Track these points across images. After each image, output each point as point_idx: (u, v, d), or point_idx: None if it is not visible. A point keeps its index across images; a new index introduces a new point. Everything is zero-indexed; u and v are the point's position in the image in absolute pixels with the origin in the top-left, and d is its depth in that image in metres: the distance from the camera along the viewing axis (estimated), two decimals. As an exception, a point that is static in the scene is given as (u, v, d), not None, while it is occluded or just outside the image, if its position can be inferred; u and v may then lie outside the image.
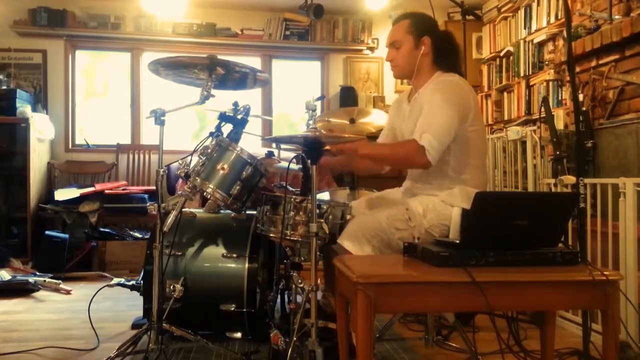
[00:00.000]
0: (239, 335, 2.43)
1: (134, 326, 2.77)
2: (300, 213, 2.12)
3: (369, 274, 1.44)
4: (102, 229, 4.55)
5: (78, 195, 4.48)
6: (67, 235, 4.32)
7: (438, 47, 2.18)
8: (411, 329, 2.74)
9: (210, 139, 2.39)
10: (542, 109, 2.98)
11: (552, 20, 4.18)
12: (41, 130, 4.68)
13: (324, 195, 2.89)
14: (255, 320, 2.40)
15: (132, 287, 2.88)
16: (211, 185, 2.30)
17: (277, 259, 2.77)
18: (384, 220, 1.99)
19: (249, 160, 2.35)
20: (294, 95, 5.76)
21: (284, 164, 2.46)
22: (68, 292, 3.60)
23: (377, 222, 1.99)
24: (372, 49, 5.66)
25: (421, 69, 2.19)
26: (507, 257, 1.51)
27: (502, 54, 4.93)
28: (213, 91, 2.35)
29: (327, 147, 2.09)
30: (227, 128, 2.46)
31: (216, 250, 2.45)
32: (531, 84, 4.46)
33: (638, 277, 2.32)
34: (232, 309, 2.36)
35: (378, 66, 5.69)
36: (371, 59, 5.67)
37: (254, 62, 5.55)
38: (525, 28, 4.58)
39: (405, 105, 2.26)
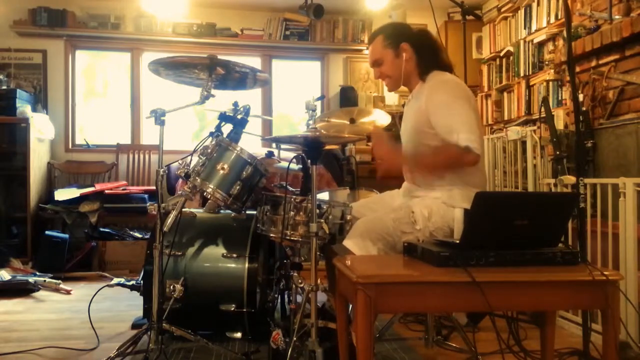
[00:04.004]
0: (239, 335, 2.44)
1: (134, 326, 2.77)
2: (301, 213, 2.12)
3: (369, 274, 1.44)
4: (102, 229, 4.55)
5: (78, 195, 4.49)
6: (67, 235, 4.32)
7: (419, 48, 2.20)
8: (411, 329, 2.74)
9: (210, 139, 2.39)
10: (542, 109, 2.99)
11: (552, 20, 4.17)
12: (41, 130, 4.68)
13: (324, 195, 2.89)
14: (255, 320, 2.40)
15: (132, 287, 2.88)
16: (211, 185, 2.30)
17: (277, 259, 2.77)
18: (390, 224, 1.99)
19: (249, 160, 2.35)
20: (294, 95, 5.77)
21: (284, 164, 2.46)
22: (68, 292, 3.60)
23: (384, 225, 1.99)
24: (372, 49, 5.66)
25: (409, 73, 2.21)
26: (507, 257, 1.51)
27: (502, 54, 4.93)
28: (213, 91, 2.35)
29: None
30: (227, 128, 2.47)
31: (216, 250, 2.45)
32: (531, 84, 4.46)
33: (638, 277, 2.32)
34: (232, 309, 2.36)
35: (378, 66, 5.69)
36: (371, 59, 5.66)
37: (254, 62, 5.55)
38: (525, 28, 4.58)
39: (406, 109, 2.29)
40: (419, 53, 2.19)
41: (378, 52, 2.25)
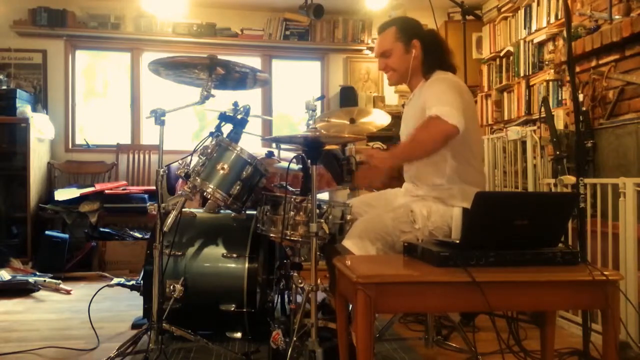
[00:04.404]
0: (239, 335, 2.44)
1: (134, 326, 2.77)
2: (301, 213, 2.12)
3: (369, 274, 1.44)
4: (102, 229, 4.54)
5: (78, 195, 4.48)
6: (67, 235, 4.32)
7: (427, 48, 2.20)
8: (411, 329, 2.74)
9: (210, 139, 2.39)
10: (542, 109, 2.99)
11: (552, 20, 4.18)
12: (41, 130, 4.68)
13: (324, 195, 2.89)
14: (255, 320, 2.40)
15: (132, 287, 2.88)
16: (211, 185, 2.30)
17: (277, 259, 2.77)
18: (389, 223, 1.99)
19: (249, 160, 2.35)
20: (294, 95, 5.77)
21: (284, 164, 2.46)
22: (68, 292, 3.60)
23: (383, 224, 1.99)
24: (372, 49, 5.65)
25: (414, 71, 2.21)
26: (507, 257, 1.51)
27: (502, 54, 4.93)
28: (213, 91, 2.35)
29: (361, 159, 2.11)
30: (227, 128, 2.47)
31: (216, 250, 2.45)
32: (531, 84, 4.46)
33: (638, 277, 2.32)
34: (232, 309, 2.36)
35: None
36: (371, 59, 5.66)
37: (254, 62, 5.55)
38: (525, 28, 4.58)
39: (406, 108, 2.29)
40: (426, 52, 2.19)
41: (388, 43, 2.22)
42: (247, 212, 2.47)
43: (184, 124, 5.45)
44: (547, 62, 4.21)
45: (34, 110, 4.73)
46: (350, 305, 1.80)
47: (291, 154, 2.48)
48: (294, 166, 2.39)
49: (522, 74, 4.58)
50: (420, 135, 1.92)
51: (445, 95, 1.96)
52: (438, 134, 1.88)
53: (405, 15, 5.07)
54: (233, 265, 2.42)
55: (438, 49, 2.21)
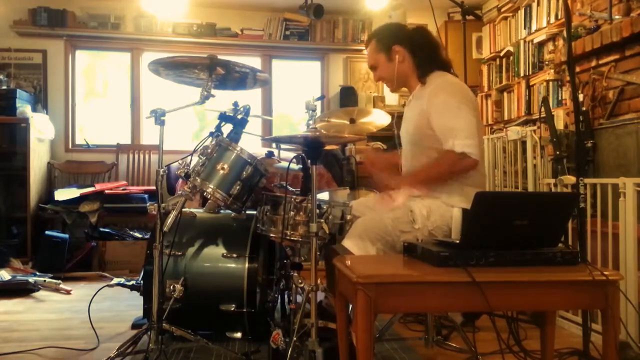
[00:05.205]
0: (239, 335, 2.44)
1: (134, 326, 2.77)
2: (301, 213, 2.12)
3: (369, 274, 1.44)
4: (102, 229, 4.54)
5: (78, 195, 4.49)
6: (67, 235, 4.32)
7: (413, 49, 2.20)
8: (411, 329, 2.74)
9: (210, 139, 2.40)
10: (542, 109, 2.99)
11: (552, 20, 4.18)
12: (41, 130, 4.68)
13: (324, 195, 2.89)
14: (255, 320, 2.40)
15: (132, 287, 2.88)
16: (211, 185, 2.30)
17: (277, 259, 2.77)
18: (389, 223, 1.99)
19: (249, 160, 2.35)
20: (294, 95, 5.77)
21: (284, 164, 2.46)
22: (68, 292, 3.60)
23: (382, 224, 1.99)
24: (372, 49, 5.65)
25: (405, 74, 2.22)
26: (507, 257, 1.51)
27: (502, 54, 4.93)
28: (213, 91, 2.35)
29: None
30: (227, 128, 2.47)
31: (216, 250, 2.45)
32: (531, 84, 4.46)
33: (638, 277, 2.32)
34: (232, 309, 2.36)
35: (378, 66, 5.69)
36: (371, 59, 5.66)
37: (254, 62, 5.55)
38: (525, 28, 4.59)
39: (406, 110, 2.29)
40: (414, 53, 2.19)
41: (372, 57, 2.27)
42: (247, 212, 2.47)
43: (184, 124, 5.46)
44: (547, 62, 4.21)
45: (34, 110, 4.73)
46: (350, 305, 1.80)
47: (291, 154, 2.48)
48: (294, 166, 2.39)
49: (522, 74, 4.58)
50: (444, 171, 2.03)
51: (464, 119, 1.99)
52: (461, 171, 2.01)
53: (404, 15, 5.10)
54: (233, 265, 2.42)
55: (426, 47, 2.21)
